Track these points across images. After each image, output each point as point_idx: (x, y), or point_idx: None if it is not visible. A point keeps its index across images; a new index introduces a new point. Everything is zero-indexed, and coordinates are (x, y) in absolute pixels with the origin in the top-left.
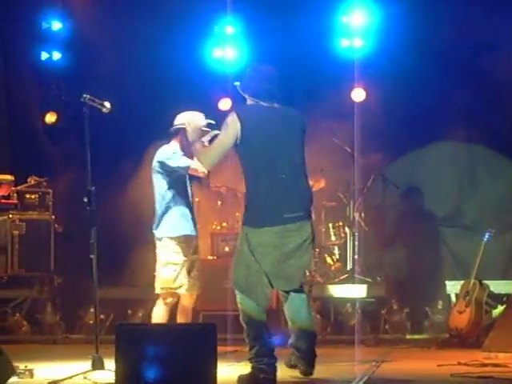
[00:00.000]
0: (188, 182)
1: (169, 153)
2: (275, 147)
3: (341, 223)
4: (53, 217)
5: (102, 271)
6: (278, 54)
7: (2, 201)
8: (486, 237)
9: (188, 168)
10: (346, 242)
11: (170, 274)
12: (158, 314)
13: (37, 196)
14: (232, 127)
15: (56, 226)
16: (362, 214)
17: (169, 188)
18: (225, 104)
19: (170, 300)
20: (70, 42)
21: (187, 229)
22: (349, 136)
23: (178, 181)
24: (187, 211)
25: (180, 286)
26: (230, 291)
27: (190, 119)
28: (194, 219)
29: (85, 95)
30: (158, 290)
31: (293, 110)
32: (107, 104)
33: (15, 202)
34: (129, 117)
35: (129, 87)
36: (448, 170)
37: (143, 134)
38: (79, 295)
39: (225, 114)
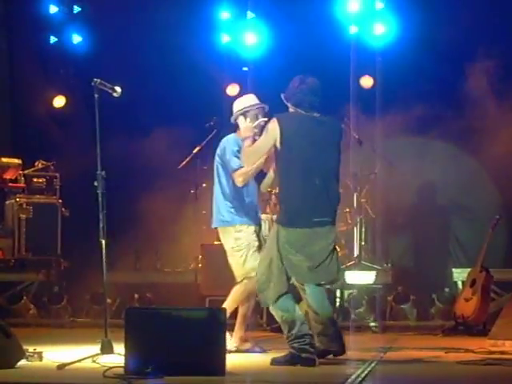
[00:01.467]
0: None
1: (227, 149)
2: (311, 153)
3: (348, 210)
4: (60, 201)
5: (108, 254)
6: (288, 41)
7: (10, 184)
8: (493, 224)
9: (234, 171)
10: (352, 228)
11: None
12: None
13: (44, 180)
14: (272, 132)
15: (63, 209)
16: (369, 201)
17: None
18: (232, 89)
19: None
20: (79, 27)
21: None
22: (357, 122)
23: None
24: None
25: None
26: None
27: (237, 106)
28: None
29: (95, 79)
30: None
31: (330, 118)
32: (118, 88)
33: (22, 185)
34: (137, 101)
35: (138, 72)
36: (454, 159)
37: (152, 118)
38: (86, 279)
39: (232, 99)
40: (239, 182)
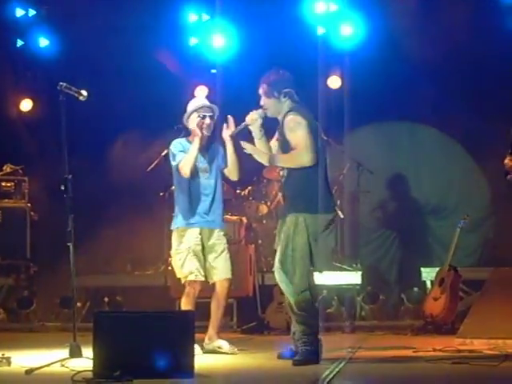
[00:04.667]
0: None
1: (170, 154)
2: (321, 142)
3: None
4: (28, 204)
5: (78, 258)
6: (256, 43)
7: None
8: (461, 224)
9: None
10: None
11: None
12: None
13: (12, 184)
14: (304, 124)
15: (32, 213)
16: (338, 202)
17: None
18: (201, 92)
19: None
20: (47, 30)
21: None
22: (324, 123)
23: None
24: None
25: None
26: None
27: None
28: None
29: (61, 83)
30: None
31: None
32: (84, 92)
33: None
34: (106, 105)
35: (106, 75)
36: (425, 156)
37: (120, 121)
38: (55, 283)
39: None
40: (185, 173)
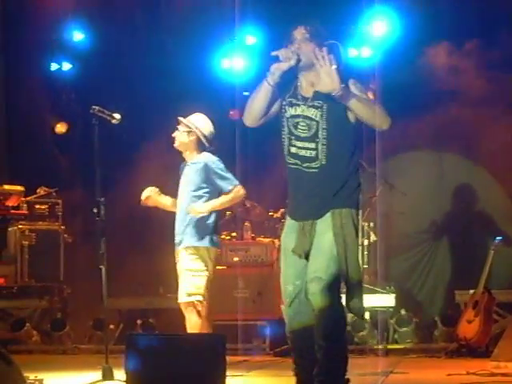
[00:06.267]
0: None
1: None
2: None
3: None
4: (62, 227)
5: (111, 281)
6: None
7: (12, 211)
8: (495, 245)
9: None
10: None
11: None
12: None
13: (46, 206)
14: None
15: (65, 236)
16: (371, 224)
17: None
18: (233, 113)
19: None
20: (81, 53)
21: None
22: None
23: None
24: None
25: None
26: (239, 300)
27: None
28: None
29: (94, 107)
30: None
31: None
32: (117, 115)
33: (25, 212)
34: (138, 127)
35: (139, 98)
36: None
37: (152, 144)
38: (88, 305)
39: (235, 123)
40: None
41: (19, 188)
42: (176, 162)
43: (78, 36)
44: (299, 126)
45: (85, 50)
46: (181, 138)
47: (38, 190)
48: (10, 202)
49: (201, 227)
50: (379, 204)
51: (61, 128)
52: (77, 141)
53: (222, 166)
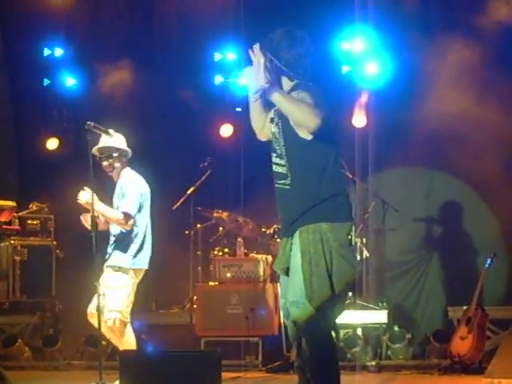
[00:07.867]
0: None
1: None
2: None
3: None
4: (54, 243)
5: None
6: None
7: (4, 227)
8: (488, 262)
9: None
10: None
11: None
12: None
13: (38, 222)
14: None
15: (57, 251)
16: (364, 240)
17: None
18: (226, 130)
19: None
20: (72, 69)
21: None
22: (349, 161)
23: None
24: None
25: None
26: (232, 317)
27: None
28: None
29: (89, 122)
30: None
31: None
32: (111, 131)
33: (17, 227)
34: (130, 142)
35: (131, 113)
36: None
37: (145, 159)
38: (81, 321)
39: (226, 140)
40: None
41: (11, 203)
42: (167, 177)
43: (62, 52)
44: (274, 143)
45: (76, 66)
46: None
47: (30, 206)
48: (2, 218)
49: (124, 247)
50: (371, 220)
51: (52, 144)
52: (68, 156)
53: None
